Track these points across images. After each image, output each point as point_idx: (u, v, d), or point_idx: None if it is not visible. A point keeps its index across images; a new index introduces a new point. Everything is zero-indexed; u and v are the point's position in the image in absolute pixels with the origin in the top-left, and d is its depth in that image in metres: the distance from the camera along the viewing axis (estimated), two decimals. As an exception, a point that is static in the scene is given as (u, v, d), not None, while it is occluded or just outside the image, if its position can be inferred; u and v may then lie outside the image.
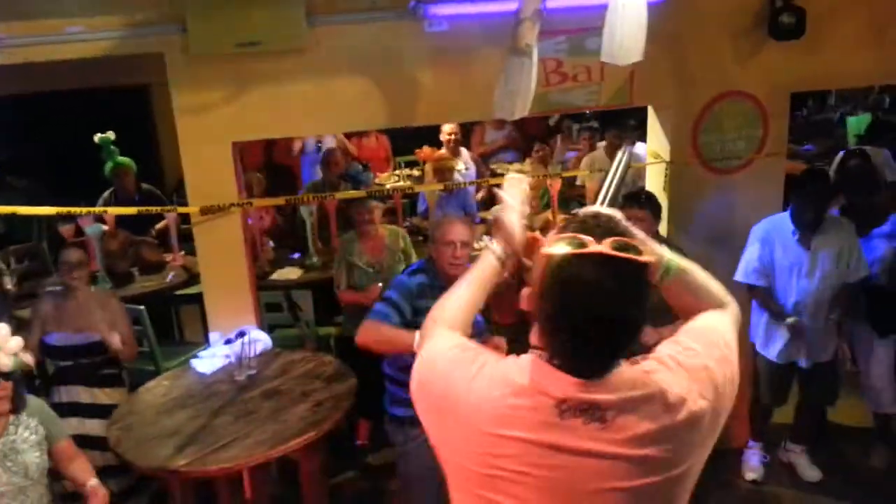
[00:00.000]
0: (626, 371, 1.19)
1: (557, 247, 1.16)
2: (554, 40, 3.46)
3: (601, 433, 1.15)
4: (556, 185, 4.89)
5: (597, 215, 1.24)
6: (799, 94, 3.96)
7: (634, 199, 3.31)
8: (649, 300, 1.19)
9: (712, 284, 1.41)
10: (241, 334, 3.41)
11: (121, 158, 5.18)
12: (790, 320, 3.44)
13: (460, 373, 1.26)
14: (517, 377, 1.21)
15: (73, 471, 2.68)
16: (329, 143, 6.30)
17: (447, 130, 5.96)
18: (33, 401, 2.66)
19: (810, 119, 8.80)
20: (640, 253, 1.16)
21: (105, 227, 4.60)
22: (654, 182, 3.97)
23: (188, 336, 5.17)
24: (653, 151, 3.98)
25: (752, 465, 3.88)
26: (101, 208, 4.70)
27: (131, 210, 4.37)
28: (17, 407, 2.54)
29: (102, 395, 3.48)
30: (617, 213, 1.28)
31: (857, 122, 7.44)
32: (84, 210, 3.93)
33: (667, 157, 3.82)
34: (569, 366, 1.18)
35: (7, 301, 4.44)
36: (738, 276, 3.55)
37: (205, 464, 2.56)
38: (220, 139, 3.42)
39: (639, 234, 1.25)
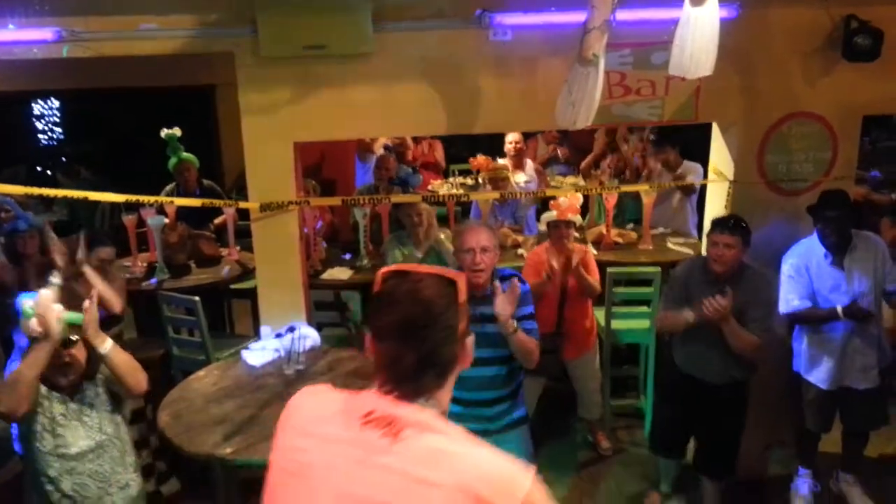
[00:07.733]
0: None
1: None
2: (618, 53, 3.43)
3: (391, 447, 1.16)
4: (611, 200, 4.86)
5: None
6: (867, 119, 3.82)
7: (724, 225, 3.21)
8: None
9: None
10: (292, 329, 3.46)
11: (185, 154, 5.32)
12: (840, 308, 3.34)
13: None
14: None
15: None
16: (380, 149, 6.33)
17: (510, 140, 5.83)
18: None
19: (878, 145, 8.52)
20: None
21: (166, 220, 4.74)
22: (716, 201, 3.88)
23: (238, 330, 5.27)
24: (715, 169, 3.90)
25: (802, 493, 3.75)
26: (167, 198, 4.82)
27: (195, 202, 4.47)
28: (91, 372, 2.60)
29: None
30: None
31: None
32: (150, 199, 4.03)
33: (730, 175, 3.73)
34: (382, 378, 1.24)
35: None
36: (784, 309, 3.44)
37: (251, 453, 2.59)
38: (282, 138, 3.49)
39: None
